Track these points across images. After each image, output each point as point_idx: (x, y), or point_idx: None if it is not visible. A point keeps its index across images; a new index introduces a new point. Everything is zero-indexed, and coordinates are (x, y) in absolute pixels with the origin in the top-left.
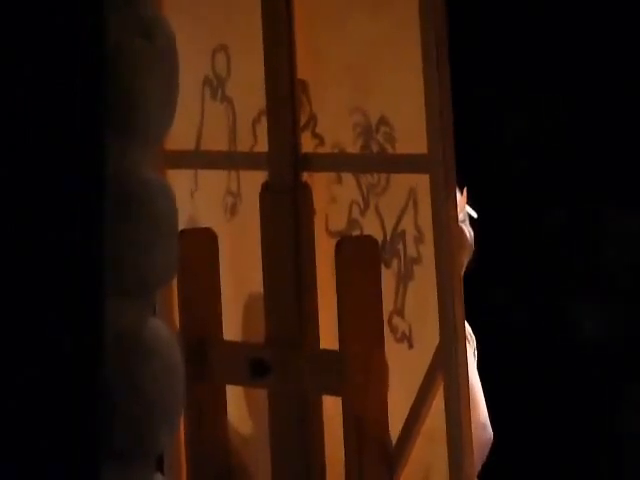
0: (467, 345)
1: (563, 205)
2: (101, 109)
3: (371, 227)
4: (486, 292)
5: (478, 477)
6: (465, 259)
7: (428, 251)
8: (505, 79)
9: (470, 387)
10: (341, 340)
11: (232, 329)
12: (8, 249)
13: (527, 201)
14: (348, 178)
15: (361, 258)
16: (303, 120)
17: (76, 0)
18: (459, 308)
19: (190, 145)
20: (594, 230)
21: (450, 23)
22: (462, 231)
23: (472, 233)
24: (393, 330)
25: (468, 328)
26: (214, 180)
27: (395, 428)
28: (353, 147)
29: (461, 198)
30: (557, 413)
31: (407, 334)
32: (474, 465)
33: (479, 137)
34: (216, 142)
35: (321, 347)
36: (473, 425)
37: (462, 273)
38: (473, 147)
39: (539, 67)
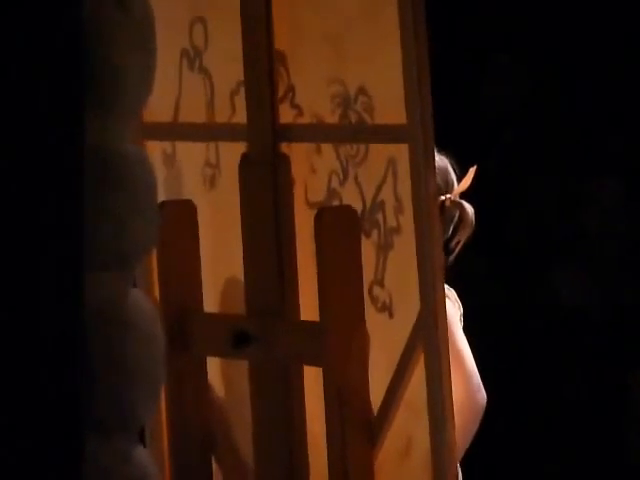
0: (453, 310)
1: (545, 174)
2: (78, 81)
3: (350, 197)
4: (466, 262)
5: (474, 439)
6: (465, 235)
7: (408, 221)
8: (485, 47)
9: (459, 352)
10: (322, 311)
11: (213, 301)
12: None
13: (508, 171)
14: (327, 148)
15: (341, 228)
16: (281, 91)
17: None
18: (439, 278)
19: (168, 117)
20: (574, 199)
21: None
22: (464, 208)
23: (472, 209)
24: (374, 300)
25: (454, 294)
26: (193, 152)
27: (376, 398)
28: (332, 117)
29: (467, 176)
30: (541, 381)
31: (388, 304)
32: (455, 434)
33: (460, 106)
34: (194, 114)
35: (302, 318)
36: (468, 389)
37: (460, 246)
38: (454, 116)
39: (520, 35)
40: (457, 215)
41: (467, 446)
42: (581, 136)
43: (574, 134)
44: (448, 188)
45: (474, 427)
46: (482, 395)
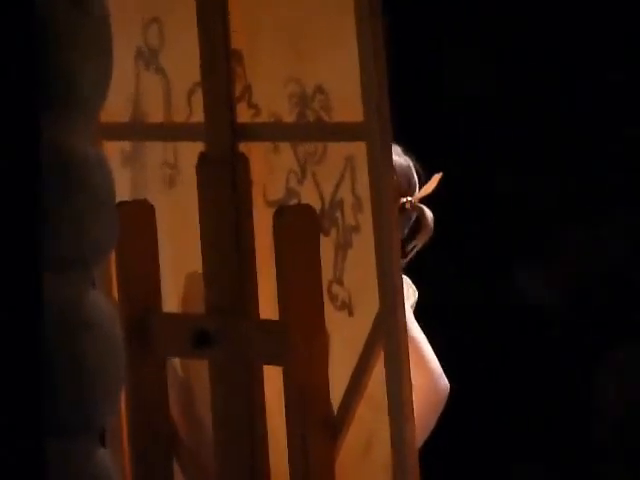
0: (406, 299)
1: (508, 172)
2: (34, 81)
3: (309, 196)
4: (432, 259)
5: (436, 425)
6: (422, 241)
7: (366, 219)
8: (445, 42)
9: (415, 341)
10: (281, 309)
11: (173, 301)
12: None
13: (473, 168)
14: (285, 147)
15: (299, 227)
16: (238, 90)
17: None
18: (398, 275)
19: (125, 117)
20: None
21: None
22: (424, 213)
23: (431, 215)
24: (333, 298)
25: (408, 280)
26: (150, 152)
27: (337, 396)
28: (289, 116)
29: (431, 182)
30: (505, 378)
31: (347, 302)
32: (415, 431)
33: (422, 102)
34: (152, 113)
35: (262, 317)
36: (429, 377)
37: (415, 251)
38: (415, 113)
39: (482, 26)
40: (414, 218)
41: (428, 433)
42: (545, 132)
43: (539, 129)
44: (409, 190)
45: (436, 414)
46: (444, 382)
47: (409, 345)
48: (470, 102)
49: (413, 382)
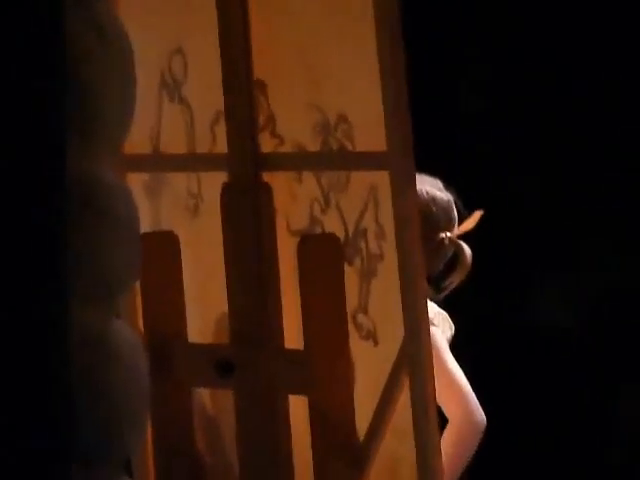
0: (440, 334)
1: (528, 190)
2: (61, 113)
3: (332, 225)
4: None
5: (473, 459)
6: (460, 278)
7: (390, 248)
8: (464, 71)
9: (452, 375)
10: (306, 339)
11: (197, 330)
12: None
13: (494, 188)
14: (308, 177)
15: (323, 256)
16: (262, 120)
17: (35, 4)
18: (422, 304)
19: (149, 148)
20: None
21: (405, 17)
22: (462, 250)
23: (470, 252)
24: (358, 328)
25: (445, 315)
26: (174, 182)
27: (362, 424)
28: (313, 146)
29: (472, 219)
30: (527, 399)
31: (372, 331)
32: (441, 460)
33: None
34: (175, 144)
35: (286, 347)
36: (466, 410)
37: (452, 287)
38: (435, 137)
39: (496, 57)
40: (452, 254)
41: (463, 469)
42: (565, 152)
43: (558, 149)
44: (449, 225)
45: (472, 449)
46: (480, 416)
47: (444, 378)
48: (491, 129)
49: (449, 415)
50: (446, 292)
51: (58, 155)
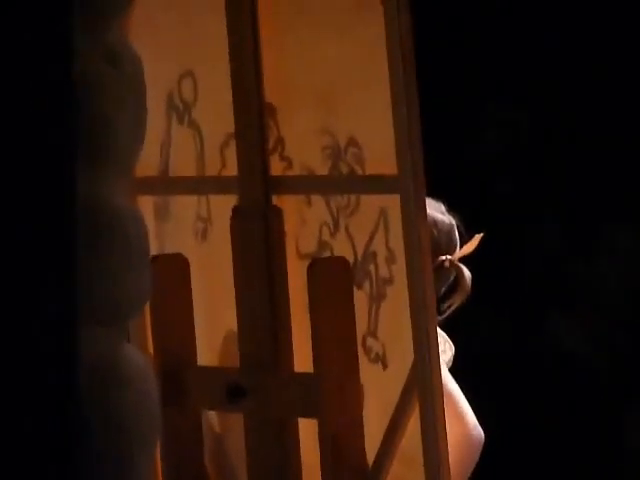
0: (442, 353)
1: (544, 221)
2: (70, 138)
3: (342, 248)
4: (469, 310)
5: (472, 476)
6: (459, 301)
7: (400, 271)
8: (476, 94)
9: (450, 392)
10: (315, 363)
11: (207, 354)
12: None
13: (507, 217)
14: (318, 200)
15: (333, 280)
16: (271, 143)
17: (43, 26)
18: (432, 328)
19: (158, 171)
20: (579, 246)
21: (417, 41)
22: (462, 273)
23: (470, 275)
24: (367, 351)
25: (444, 335)
26: (184, 205)
27: (371, 449)
28: (322, 169)
29: (472, 242)
30: (539, 427)
31: (381, 355)
32: None
33: (454, 155)
34: (185, 167)
35: (296, 370)
36: (463, 427)
37: (451, 310)
38: (448, 165)
39: (509, 82)
40: (452, 277)
41: None
42: (579, 183)
43: (571, 182)
44: (450, 248)
45: (471, 465)
46: (479, 433)
47: (445, 398)
48: (500, 153)
49: (447, 432)
50: (446, 315)
51: (68, 180)
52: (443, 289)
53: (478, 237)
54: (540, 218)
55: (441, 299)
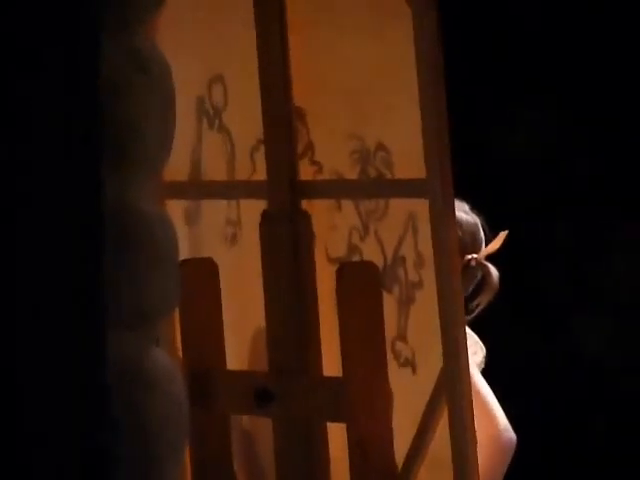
0: (474, 355)
1: (567, 220)
2: (97, 143)
3: (371, 252)
4: (491, 309)
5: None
6: (487, 299)
7: (429, 275)
8: (502, 98)
9: (481, 394)
10: (344, 367)
11: (235, 358)
12: (8, 285)
13: (530, 217)
14: (347, 204)
15: (362, 284)
16: (301, 148)
17: (71, 31)
18: (461, 332)
19: (189, 175)
20: (598, 244)
21: (445, 44)
22: (489, 271)
23: (497, 273)
24: (396, 355)
25: (474, 337)
26: (214, 210)
27: (400, 453)
28: (351, 173)
29: (497, 240)
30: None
31: (410, 359)
32: None
33: (479, 157)
34: (215, 172)
35: (325, 374)
36: (494, 429)
37: (480, 309)
38: (473, 167)
39: (534, 85)
40: (480, 276)
41: None
42: (607, 183)
43: (598, 181)
44: (475, 247)
45: (502, 467)
46: (510, 435)
47: (474, 399)
48: (526, 157)
49: (478, 435)
50: (474, 314)
51: (95, 184)
52: (470, 288)
53: (503, 234)
54: (565, 217)
55: (469, 298)
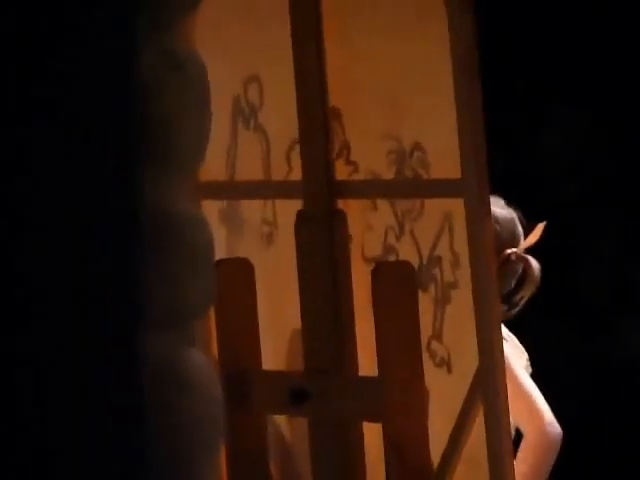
0: (512, 353)
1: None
2: (134, 143)
3: (407, 252)
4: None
5: (550, 474)
6: (529, 292)
7: (465, 275)
8: (537, 97)
9: (524, 388)
10: (380, 366)
11: (271, 359)
12: (44, 284)
13: (568, 219)
14: (383, 204)
15: (398, 283)
16: (337, 148)
17: (107, 28)
18: (497, 332)
19: (225, 175)
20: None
21: (481, 44)
22: (530, 263)
23: (538, 265)
24: (432, 355)
25: (515, 340)
26: (250, 209)
27: (436, 454)
28: (387, 173)
29: (535, 232)
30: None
31: (446, 359)
32: None
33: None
34: (250, 171)
35: (360, 374)
36: (540, 425)
37: (524, 302)
38: (512, 169)
39: (570, 84)
40: (521, 270)
41: None
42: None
43: (632, 182)
44: (514, 241)
45: (550, 462)
46: (556, 429)
47: (519, 393)
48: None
49: (524, 430)
50: (518, 308)
51: (132, 184)
52: (513, 282)
53: (541, 226)
54: (602, 218)
55: (512, 292)
